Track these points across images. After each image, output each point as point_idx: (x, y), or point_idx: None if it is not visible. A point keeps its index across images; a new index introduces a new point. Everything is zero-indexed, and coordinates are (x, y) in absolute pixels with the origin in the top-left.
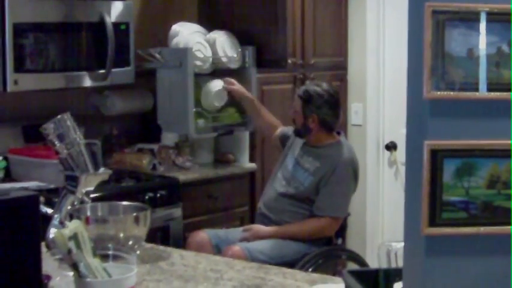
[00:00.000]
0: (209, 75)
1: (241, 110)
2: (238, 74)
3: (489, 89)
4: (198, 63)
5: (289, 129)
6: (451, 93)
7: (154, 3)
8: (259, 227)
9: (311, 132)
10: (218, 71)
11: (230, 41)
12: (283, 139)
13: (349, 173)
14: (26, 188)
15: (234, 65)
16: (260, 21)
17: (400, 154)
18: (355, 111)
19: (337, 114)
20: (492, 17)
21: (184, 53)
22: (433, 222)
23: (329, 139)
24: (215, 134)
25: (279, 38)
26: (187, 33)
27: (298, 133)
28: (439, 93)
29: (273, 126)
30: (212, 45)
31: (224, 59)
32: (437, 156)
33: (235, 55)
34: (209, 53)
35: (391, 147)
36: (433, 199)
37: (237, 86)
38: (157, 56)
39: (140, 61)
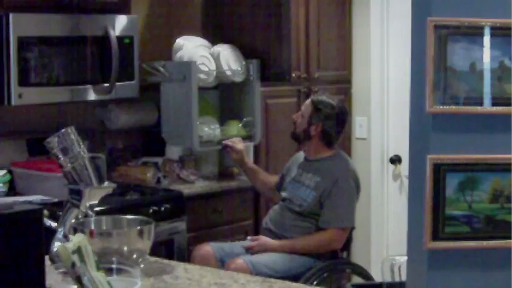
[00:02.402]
0: (213, 88)
1: (246, 123)
2: (243, 87)
3: (492, 104)
4: (202, 76)
5: (279, 176)
6: (453, 107)
7: (159, 17)
8: (266, 239)
9: (310, 140)
10: (222, 85)
11: (234, 55)
12: (279, 187)
13: (351, 184)
14: (29, 202)
15: (238, 79)
16: (264, 35)
17: (405, 167)
18: (359, 124)
19: (340, 131)
20: (494, 31)
21: (188, 66)
22: (436, 236)
23: (327, 152)
24: (219, 146)
25: (283, 51)
26: (191, 47)
27: (296, 137)
28: (441, 107)
29: (271, 187)
30: (216, 58)
31: (228, 73)
32: (440, 171)
33: (239, 68)
34: (213, 67)
35: (395, 160)
36: (436, 213)
37: (239, 147)
38: (161, 69)
39: (144, 75)
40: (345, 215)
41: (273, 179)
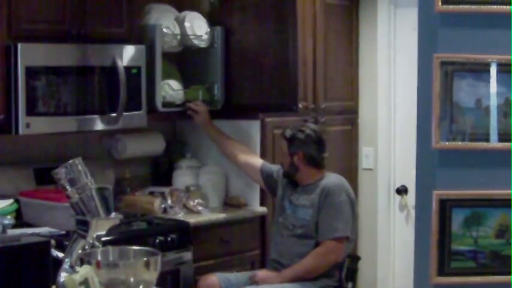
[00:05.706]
0: (179, 54)
1: (209, 88)
2: (207, 53)
3: (498, 140)
4: (167, 39)
5: (274, 168)
6: (459, 143)
7: None
8: (264, 276)
9: (299, 170)
10: (187, 50)
11: (199, 20)
12: (267, 177)
13: (342, 195)
14: (37, 234)
15: (202, 44)
16: (271, 65)
17: (411, 198)
18: (366, 155)
19: (321, 149)
20: (500, 68)
21: (153, 29)
22: (441, 271)
23: (318, 175)
24: (181, 108)
25: (290, 82)
26: (158, 12)
27: (287, 175)
28: (447, 143)
29: (243, 155)
30: (181, 23)
31: (192, 37)
32: (446, 206)
33: (203, 34)
34: (178, 31)
35: (402, 191)
36: (441, 248)
37: (202, 109)
38: None
39: None
40: (338, 225)
41: (252, 155)
